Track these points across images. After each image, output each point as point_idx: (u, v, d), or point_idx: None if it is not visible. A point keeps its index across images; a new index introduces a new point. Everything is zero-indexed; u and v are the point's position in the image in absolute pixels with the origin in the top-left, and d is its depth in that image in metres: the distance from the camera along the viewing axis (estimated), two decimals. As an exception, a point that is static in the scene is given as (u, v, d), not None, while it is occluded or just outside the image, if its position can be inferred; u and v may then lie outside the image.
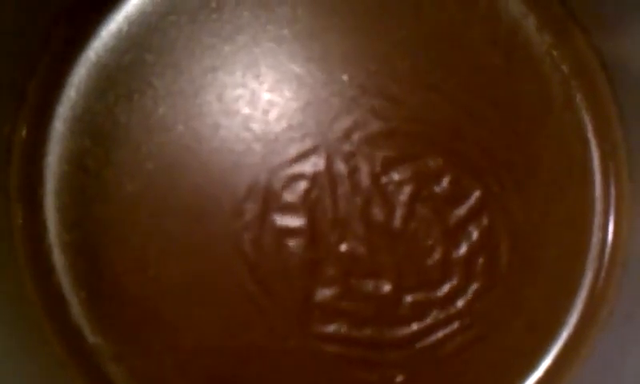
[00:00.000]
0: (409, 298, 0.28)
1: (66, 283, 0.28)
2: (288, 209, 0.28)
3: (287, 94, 0.29)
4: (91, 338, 0.27)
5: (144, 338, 0.28)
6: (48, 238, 0.28)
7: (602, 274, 0.29)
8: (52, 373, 0.26)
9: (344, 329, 0.28)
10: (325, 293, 0.28)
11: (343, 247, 0.29)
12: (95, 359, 0.27)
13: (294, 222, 0.28)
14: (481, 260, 0.29)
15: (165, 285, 0.28)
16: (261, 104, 0.29)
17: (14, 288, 0.27)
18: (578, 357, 0.28)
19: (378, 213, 0.29)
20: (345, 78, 0.29)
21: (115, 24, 0.29)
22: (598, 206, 0.29)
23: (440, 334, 0.28)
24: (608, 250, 0.29)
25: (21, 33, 0.27)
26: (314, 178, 0.29)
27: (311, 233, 0.28)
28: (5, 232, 0.27)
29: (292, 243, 0.28)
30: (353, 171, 0.29)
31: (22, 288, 0.27)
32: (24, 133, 0.28)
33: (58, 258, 0.28)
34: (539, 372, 0.28)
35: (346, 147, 0.29)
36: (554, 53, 0.30)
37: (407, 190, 0.29)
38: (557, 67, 0.30)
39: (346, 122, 0.29)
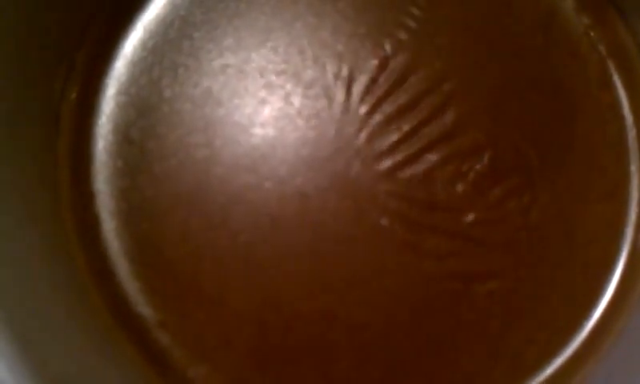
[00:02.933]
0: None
1: (112, 253, 0.28)
2: (332, 183, 0.29)
3: (329, 68, 0.29)
4: (137, 305, 0.28)
5: (187, 306, 0.28)
6: (94, 207, 0.28)
7: (639, 248, 0.29)
8: (100, 338, 0.27)
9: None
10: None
11: (384, 221, 0.29)
12: (141, 326, 0.28)
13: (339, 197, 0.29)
14: (522, 234, 0.29)
15: (206, 256, 0.28)
16: (302, 80, 0.29)
17: (63, 257, 0.27)
18: (614, 329, 0.29)
19: (419, 189, 0.29)
20: (387, 51, 0.30)
21: (162, -2, 0.29)
22: (635, 181, 0.30)
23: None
24: (646, 226, 0.30)
25: (71, 4, 0.27)
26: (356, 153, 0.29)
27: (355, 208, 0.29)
28: (53, 200, 0.27)
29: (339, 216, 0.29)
30: (393, 147, 0.29)
31: (71, 258, 0.27)
32: (73, 100, 0.28)
33: (104, 228, 0.28)
34: (576, 343, 0.29)
35: (391, 125, 0.29)
36: (592, 34, 0.30)
37: (448, 166, 0.29)
38: (594, 48, 0.30)
39: (387, 99, 0.29)
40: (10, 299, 0.23)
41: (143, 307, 0.28)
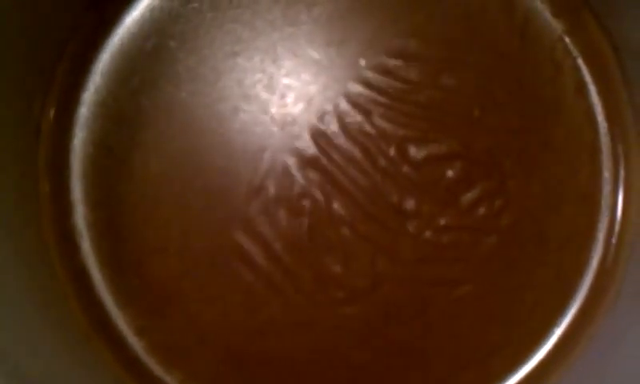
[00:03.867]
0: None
1: (92, 260, 0.29)
2: (303, 189, 0.29)
3: (304, 77, 0.30)
4: (115, 312, 0.29)
5: (165, 312, 0.29)
6: (74, 217, 0.29)
7: (610, 253, 0.30)
8: (78, 345, 0.28)
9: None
10: (336, 268, 0.29)
11: (359, 226, 0.30)
12: (118, 332, 0.29)
13: (307, 202, 0.29)
14: (493, 238, 0.30)
15: (185, 263, 0.29)
16: (279, 88, 0.30)
17: (41, 265, 0.28)
18: (584, 335, 0.29)
19: (392, 193, 0.30)
20: (362, 62, 0.30)
21: (139, 11, 0.30)
22: (607, 187, 0.30)
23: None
24: (616, 230, 0.30)
25: (51, 19, 0.28)
26: (329, 159, 0.30)
27: (327, 211, 0.29)
28: (33, 211, 0.28)
29: (306, 222, 0.29)
30: (368, 151, 0.30)
31: (50, 265, 0.28)
32: (52, 114, 0.29)
33: (84, 236, 0.29)
34: (547, 347, 0.29)
35: (365, 128, 0.30)
36: (567, 39, 0.30)
37: (422, 171, 0.30)
38: (569, 53, 0.30)
39: (362, 106, 0.30)
40: None
41: (120, 315, 0.29)
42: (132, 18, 0.30)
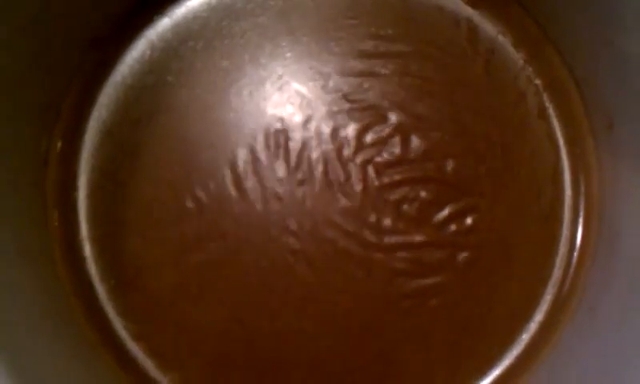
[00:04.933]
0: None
1: (95, 273, 0.32)
2: (289, 207, 0.32)
3: (289, 109, 0.33)
4: (116, 319, 0.32)
5: (161, 320, 0.31)
6: (80, 235, 0.32)
7: (572, 267, 0.32)
8: (81, 351, 0.30)
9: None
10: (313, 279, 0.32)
11: (340, 241, 0.32)
12: (119, 338, 0.31)
13: (292, 220, 0.32)
14: (464, 254, 0.32)
15: (179, 276, 0.32)
16: (266, 119, 0.33)
17: (49, 277, 0.31)
18: (547, 344, 0.31)
19: (370, 212, 0.32)
20: (341, 94, 0.33)
21: (139, 50, 0.33)
22: (569, 203, 0.32)
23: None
24: (577, 245, 0.32)
25: (57, 58, 0.31)
26: (312, 181, 0.32)
27: (313, 229, 0.32)
28: (42, 229, 0.31)
29: (291, 239, 0.32)
30: (349, 174, 0.32)
31: (57, 277, 0.31)
32: (59, 146, 0.32)
33: (88, 252, 0.32)
34: (511, 358, 0.32)
35: (345, 153, 0.32)
36: (529, 68, 0.33)
37: (397, 192, 0.32)
38: (531, 81, 0.33)
39: (342, 132, 0.33)
40: (4, 324, 0.27)
41: (120, 321, 0.31)
42: (132, 56, 0.33)
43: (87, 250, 0.32)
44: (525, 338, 0.32)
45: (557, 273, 0.32)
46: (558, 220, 0.32)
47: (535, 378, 0.31)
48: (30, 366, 0.26)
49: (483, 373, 0.32)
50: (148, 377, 0.31)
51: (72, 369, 0.29)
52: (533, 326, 0.32)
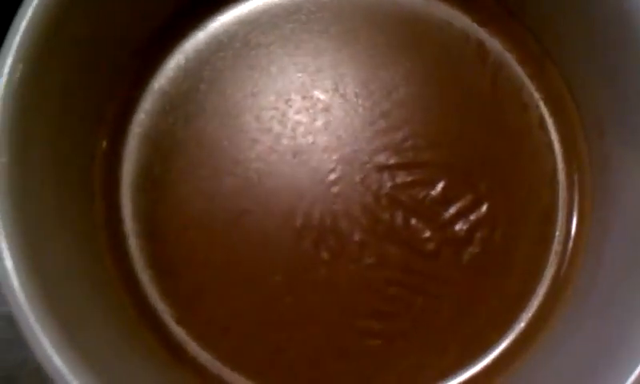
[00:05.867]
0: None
1: (138, 263, 0.35)
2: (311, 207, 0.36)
3: (312, 115, 0.36)
4: (158, 304, 0.35)
5: (197, 306, 0.35)
6: (123, 228, 0.35)
7: (565, 262, 0.36)
8: (128, 332, 0.34)
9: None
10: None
11: (356, 235, 0.36)
12: (161, 321, 0.35)
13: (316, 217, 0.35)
14: (471, 249, 0.36)
15: (211, 267, 0.35)
16: (290, 123, 0.36)
17: (96, 267, 0.34)
18: (543, 329, 0.35)
19: (384, 210, 0.36)
20: (360, 102, 0.36)
21: (175, 60, 0.36)
22: (564, 209, 0.36)
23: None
24: (570, 244, 0.36)
25: (104, 67, 0.34)
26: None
27: (333, 225, 0.35)
28: (89, 224, 0.35)
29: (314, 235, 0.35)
30: (365, 176, 0.36)
31: (103, 267, 0.34)
32: (104, 145, 0.35)
33: (131, 244, 0.35)
34: (507, 341, 0.35)
35: (361, 155, 0.36)
36: (532, 82, 0.36)
37: (409, 192, 0.36)
38: (533, 95, 0.36)
39: (361, 139, 0.36)
40: (65, 306, 0.30)
41: (162, 308, 0.35)
42: (169, 65, 0.36)
43: (130, 241, 0.35)
44: (523, 323, 0.35)
45: (551, 267, 0.36)
46: (554, 223, 0.36)
47: (532, 361, 0.35)
48: (82, 337, 0.29)
49: (484, 355, 0.35)
50: (185, 354, 0.35)
51: (117, 344, 0.32)
52: (528, 315, 0.35)
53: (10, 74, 0.29)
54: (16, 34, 0.29)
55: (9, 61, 0.29)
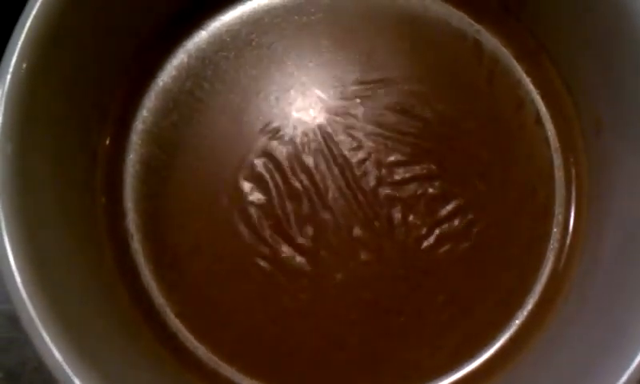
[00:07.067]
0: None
1: (139, 257, 0.36)
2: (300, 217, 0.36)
3: (312, 113, 0.37)
4: (158, 299, 0.35)
5: (198, 300, 0.35)
6: (125, 223, 0.36)
7: (562, 260, 0.36)
8: (127, 328, 0.34)
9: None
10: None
11: (354, 230, 0.36)
12: (161, 317, 0.35)
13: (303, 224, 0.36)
14: (465, 244, 0.36)
15: (212, 261, 0.36)
16: (291, 121, 0.37)
17: (97, 261, 0.35)
18: (539, 329, 0.35)
19: (382, 205, 0.36)
20: (358, 100, 0.37)
21: (178, 59, 0.37)
22: (561, 204, 0.36)
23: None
24: (568, 240, 0.36)
25: (108, 65, 0.35)
26: (332, 175, 0.36)
27: (333, 219, 0.36)
28: (91, 218, 0.35)
29: (311, 228, 0.36)
30: (365, 171, 0.36)
31: (104, 261, 0.35)
32: (107, 142, 0.36)
33: (132, 238, 0.36)
34: (504, 339, 0.35)
35: (359, 154, 0.36)
36: (528, 78, 0.37)
37: (407, 188, 0.36)
38: (529, 89, 0.37)
39: (357, 136, 0.36)
40: (65, 303, 0.30)
41: (162, 302, 0.35)
42: (172, 64, 0.37)
43: (131, 235, 0.36)
44: (518, 323, 0.36)
45: (549, 264, 0.36)
46: (551, 218, 0.36)
47: (528, 359, 0.35)
48: (83, 333, 0.30)
49: (480, 353, 0.35)
50: (185, 349, 0.35)
51: (117, 336, 0.33)
52: (524, 313, 0.36)
53: (15, 71, 0.30)
54: (21, 32, 0.30)
55: (14, 59, 0.30)
